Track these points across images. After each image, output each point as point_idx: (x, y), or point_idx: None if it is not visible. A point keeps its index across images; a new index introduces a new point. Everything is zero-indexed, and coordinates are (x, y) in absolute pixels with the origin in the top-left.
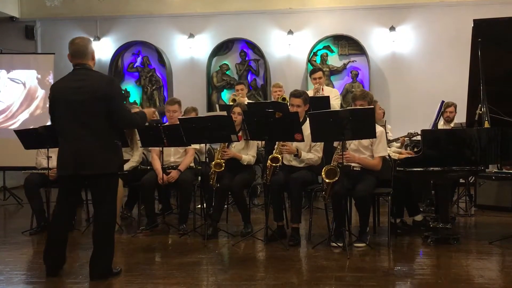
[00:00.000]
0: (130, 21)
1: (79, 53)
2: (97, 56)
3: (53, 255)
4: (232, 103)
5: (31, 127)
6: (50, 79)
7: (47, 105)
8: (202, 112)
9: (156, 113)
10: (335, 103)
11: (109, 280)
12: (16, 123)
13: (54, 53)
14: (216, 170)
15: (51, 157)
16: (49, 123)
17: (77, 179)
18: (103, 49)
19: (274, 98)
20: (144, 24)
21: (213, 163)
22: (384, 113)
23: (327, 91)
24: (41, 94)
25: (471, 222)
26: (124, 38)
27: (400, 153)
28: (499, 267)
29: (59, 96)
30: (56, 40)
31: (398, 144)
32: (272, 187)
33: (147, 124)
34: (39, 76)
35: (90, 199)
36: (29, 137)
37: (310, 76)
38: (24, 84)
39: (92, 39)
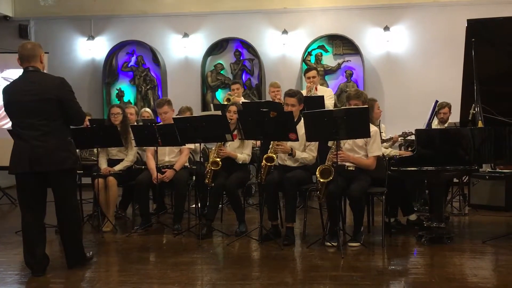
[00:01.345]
0: (125, 20)
1: (28, 56)
2: (91, 55)
3: (37, 256)
4: (226, 103)
5: None
6: None
7: None
8: (197, 112)
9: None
10: (329, 103)
11: (84, 265)
12: (9, 123)
13: (48, 52)
14: (213, 168)
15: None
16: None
17: (34, 177)
18: (97, 49)
19: (270, 98)
20: (138, 24)
21: (209, 161)
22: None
23: (321, 90)
24: None
25: (465, 221)
26: (118, 38)
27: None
28: (493, 266)
29: (11, 99)
30: (50, 39)
31: (386, 144)
32: (267, 186)
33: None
34: None
35: (84, 198)
36: None
37: (304, 75)
38: None
39: (86, 38)
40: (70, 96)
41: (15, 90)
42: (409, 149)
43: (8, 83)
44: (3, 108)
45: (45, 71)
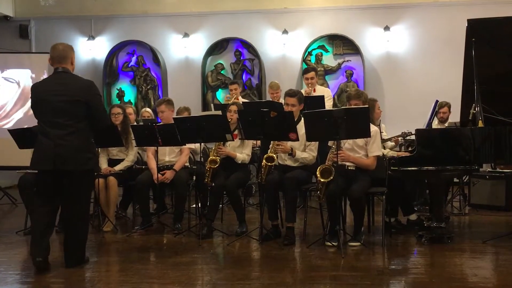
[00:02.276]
0: (125, 20)
1: (59, 57)
2: (92, 55)
3: (40, 248)
4: (227, 102)
5: (25, 127)
6: None
7: None
8: (197, 112)
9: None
10: (327, 105)
11: (82, 266)
12: (10, 123)
13: (48, 53)
14: (212, 166)
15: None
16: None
17: (55, 176)
18: (98, 49)
19: (270, 99)
20: (139, 24)
21: (208, 160)
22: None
23: (319, 90)
24: None
25: (465, 221)
26: (119, 38)
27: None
28: (493, 266)
29: (40, 98)
30: (50, 39)
31: (390, 144)
32: (267, 186)
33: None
34: (33, 75)
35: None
36: (23, 136)
37: (302, 75)
38: (18, 84)
39: (86, 38)
40: (97, 99)
41: (45, 89)
42: (409, 149)
43: (10, 83)
44: (10, 107)
45: (73, 71)
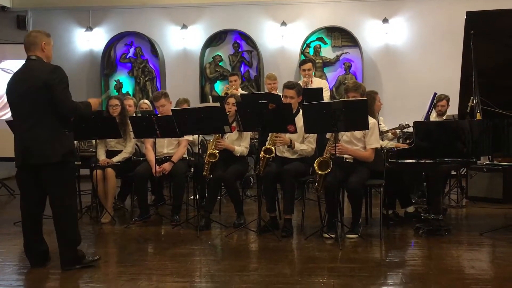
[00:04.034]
0: (123, 11)
1: (29, 44)
2: (89, 46)
3: (33, 249)
4: (225, 95)
5: None
6: None
7: None
8: (195, 104)
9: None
10: (324, 96)
11: (78, 268)
12: (7, 114)
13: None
14: (211, 160)
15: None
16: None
17: (30, 170)
18: (96, 40)
19: (267, 90)
20: (137, 15)
21: (207, 153)
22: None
23: (316, 82)
24: None
25: (462, 213)
26: (117, 29)
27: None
28: (490, 258)
29: (9, 89)
30: (48, 30)
31: (391, 135)
32: (265, 178)
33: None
34: None
35: (83, 190)
36: None
37: (299, 67)
38: None
39: (84, 29)
40: (57, 82)
41: (12, 80)
42: (407, 141)
43: (8, 74)
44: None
45: (47, 59)
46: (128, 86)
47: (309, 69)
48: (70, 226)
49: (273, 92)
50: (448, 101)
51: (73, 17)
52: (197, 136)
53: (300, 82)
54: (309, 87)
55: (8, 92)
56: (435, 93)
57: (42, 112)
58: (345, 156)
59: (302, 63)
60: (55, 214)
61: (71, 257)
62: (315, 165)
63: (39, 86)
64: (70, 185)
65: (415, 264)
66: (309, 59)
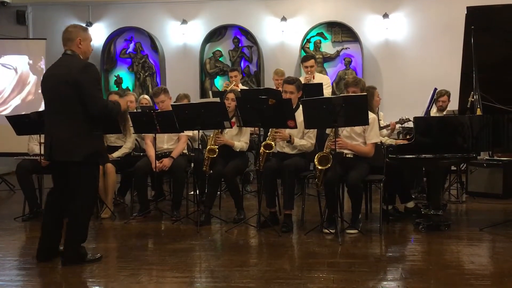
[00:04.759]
0: (123, 6)
1: (65, 39)
2: None
3: (46, 245)
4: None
5: (23, 113)
6: (42, 65)
7: (39, 91)
8: (195, 99)
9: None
10: (326, 92)
11: (79, 265)
12: (8, 109)
13: (45, 39)
14: (210, 156)
15: (43, 143)
16: (41, 109)
17: (57, 165)
18: (95, 35)
19: (274, 85)
20: (136, 10)
21: (206, 149)
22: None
23: (318, 78)
24: (32, 79)
25: (462, 209)
26: (117, 24)
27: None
28: (489, 253)
29: (43, 83)
30: (47, 26)
31: (386, 132)
32: (265, 173)
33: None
34: (31, 61)
35: None
36: (21, 123)
37: (302, 63)
38: (15, 70)
39: (84, 24)
40: (86, 80)
41: (46, 74)
42: (407, 136)
43: (8, 69)
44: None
45: (84, 54)
46: (128, 81)
47: (311, 66)
48: (81, 224)
49: (280, 88)
50: (449, 96)
51: (73, 12)
52: (197, 131)
53: (302, 79)
54: (310, 82)
55: (42, 85)
56: (435, 88)
57: (71, 109)
58: (345, 151)
59: (304, 59)
60: (71, 209)
61: (75, 253)
62: (315, 160)
63: (69, 82)
64: (90, 184)
65: (415, 260)
66: (311, 55)
